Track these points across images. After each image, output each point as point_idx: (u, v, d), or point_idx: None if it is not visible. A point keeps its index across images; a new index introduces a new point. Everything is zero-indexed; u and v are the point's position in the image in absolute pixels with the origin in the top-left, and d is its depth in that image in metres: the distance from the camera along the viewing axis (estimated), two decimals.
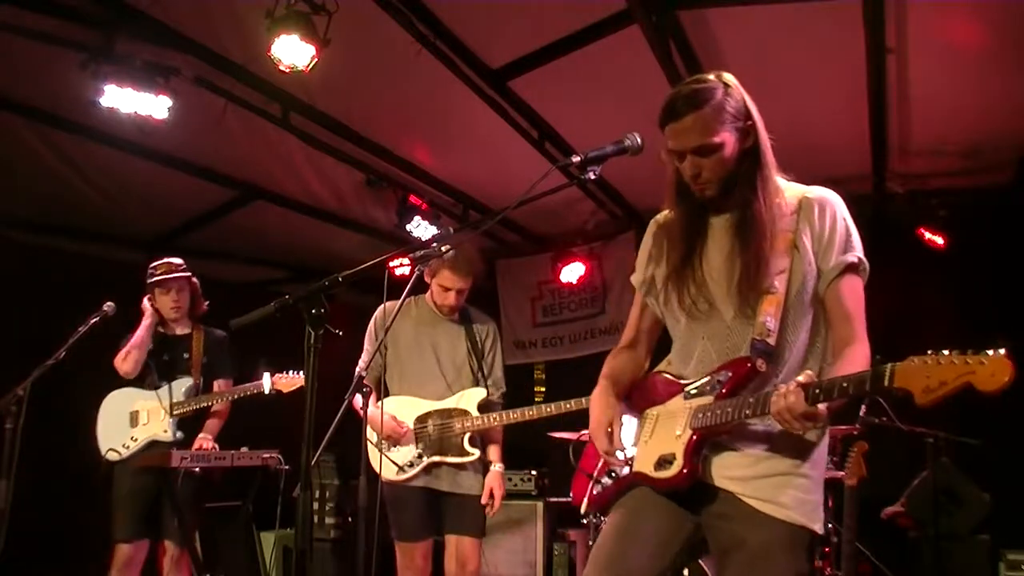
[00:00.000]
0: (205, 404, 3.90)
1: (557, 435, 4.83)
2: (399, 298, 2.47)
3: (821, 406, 1.61)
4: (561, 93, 4.28)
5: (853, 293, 1.85)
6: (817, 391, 1.59)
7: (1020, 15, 3.45)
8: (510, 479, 5.76)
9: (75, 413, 4.14)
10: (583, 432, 4.69)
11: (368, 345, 3.52)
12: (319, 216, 5.80)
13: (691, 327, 1.97)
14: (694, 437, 1.83)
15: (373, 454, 3.40)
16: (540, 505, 5.71)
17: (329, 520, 5.98)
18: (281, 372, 3.86)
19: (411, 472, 3.40)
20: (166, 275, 3.95)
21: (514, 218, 6.16)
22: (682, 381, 1.97)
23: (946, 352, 1.46)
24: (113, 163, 4.75)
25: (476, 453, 3.44)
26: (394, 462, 3.38)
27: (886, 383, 1.49)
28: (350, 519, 5.92)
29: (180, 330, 4.09)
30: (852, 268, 1.85)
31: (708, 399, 1.84)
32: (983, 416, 4.77)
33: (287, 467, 3.73)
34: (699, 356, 1.94)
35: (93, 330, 3.69)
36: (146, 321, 3.93)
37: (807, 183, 2.00)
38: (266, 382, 3.82)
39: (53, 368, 3.50)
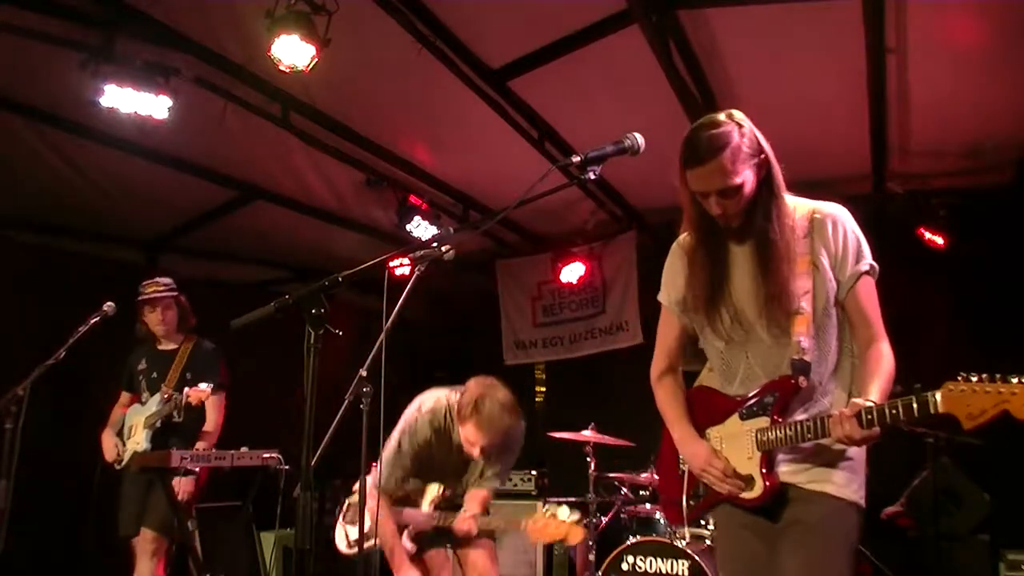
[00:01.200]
0: (163, 415, 3.94)
1: (557, 435, 4.83)
2: (398, 299, 2.46)
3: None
4: (561, 93, 4.28)
5: (868, 297, 2.04)
6: (869, 417, 1.79)
7: (1020, 15, 3.45)
8: (510, 479, 5.76)
9: (75, 413, 4.15)
10: (581, 432, 4.71)
11: (391, 458, 3.44)
12: (319, 216, 5.80)
13: (733, 348, 2.14)
14: (764, 459, 2.04)
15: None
16: (540, 505, 5.70)
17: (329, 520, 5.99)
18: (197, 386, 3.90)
19: (356, 550, 3.37)
20: (153, 295, 4.14)
21: (514, 218, 6.16)
22: (731, 397, 2.15)
23: (975, 378, 1.66)
24: (113, 163, 4.75)
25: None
26: (347, 535, 3.48)
27: (932, 411, 1.70)
28: None
29: (170, 345, 4.23)
30: (865, 274, 2.04)
31: (764, 421, 2.05)
32: None
33: (287, 467, 3.73)
34: (744, 373, 2.12)
35: (93, 330, 3.70)
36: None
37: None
38: (177, 401, 3.89)
39: (53, 368, 3.50)
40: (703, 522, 4.09)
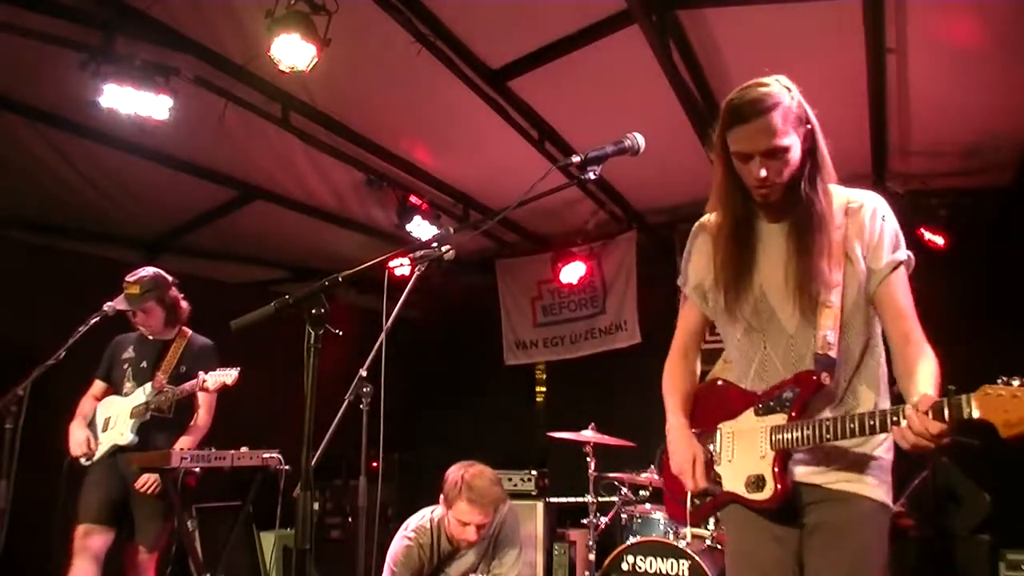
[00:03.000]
0: (154, 406, 3.79)
1: (557, 435, 4.83)
2: (398, 299, 2.46)
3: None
4: (561, 93, 4.28)
5: (904, 289, 1.89)
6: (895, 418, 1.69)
7: (1020, 15, 3.45)
8: (510, 479, 5.77)
9: (74, 413, 4.13)
10: (580, 432, 4.70)
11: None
12: (319, 216, 5.80)
13: (751, 336, 2.01)
14: (778, 459, 1.90)
15: None
16: (540, 505, 5.71)
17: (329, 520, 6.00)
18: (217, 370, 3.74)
19: None
20: (125, 306, 3.82)
21: (514, 218, 6.16)
22: (747, 391, 2.03)
23: (1016, 382, 1.53)
24: (113, 163, 4.75)
25: None
26: None
27: (966, 415, 1.58)
28: (350, 519, 5.93)
29: (163, 336, 4.02)
30: (902, 263, 1.91)
31: (782, 418, 1.91)
32: None
33: (287, 467, 3.73)
34: (760, 363, 2.00)
35: (93, 330, 3.69)
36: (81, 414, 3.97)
37: None
38: (198, 383, 3.71)
39: (53, 368, 3.49)
40: (706, 524, 4.07)
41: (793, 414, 1.89)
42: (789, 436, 1.87)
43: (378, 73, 4.04)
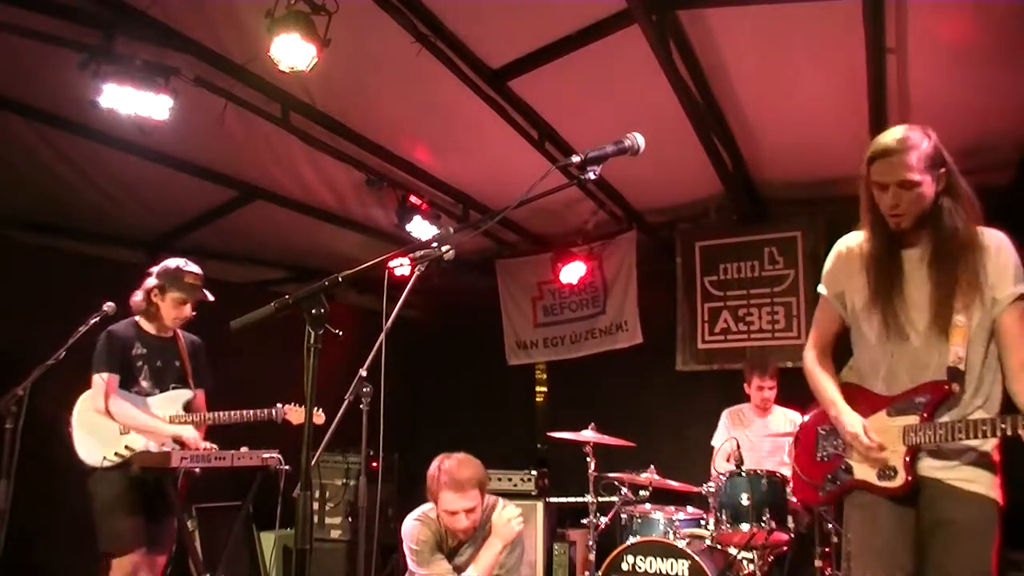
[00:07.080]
0: (210, 422, 3.82)
1: (557, 435, 4.83)
2: (398, 299, 2.46)
3: None
4: (561, 93, 4.28)
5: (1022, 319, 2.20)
6: None
7: (1020, 15, 3.45)
8: (510, 479, 5.77)
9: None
10: (581, 432, 4.70)
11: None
12: (319, 216, 5.80)
13: (884, 346, 2.33)
14: (910, 453, 2.24)
15: None
16: (540, 505, 5.72)
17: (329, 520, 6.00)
18: (291, 404, 3.85)
19: None
20: (200, 291, 3.87)
21: (514, 218, 6.16)
22: (877, 395, 2.36)
23: None
24: (113, 163, 4.75)
25: None
26: None
27: None
28: (350, 519, 5.92)
29: (167, 333, 4.01)
30: (1022, 296, 2.20)
31: (914, 419, 2.24)
32: None
33: (287, 467, 3.73)
34: (888, 371, 2.33)
35: (93, 330, 3.69)
36: None
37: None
38: (277, 413, 3.81)
39: (53, 368, 3.50)
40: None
41: (925, 415, 2.21)
42: (921, 435, 2.19)
43: (378, 73, 4.04)
